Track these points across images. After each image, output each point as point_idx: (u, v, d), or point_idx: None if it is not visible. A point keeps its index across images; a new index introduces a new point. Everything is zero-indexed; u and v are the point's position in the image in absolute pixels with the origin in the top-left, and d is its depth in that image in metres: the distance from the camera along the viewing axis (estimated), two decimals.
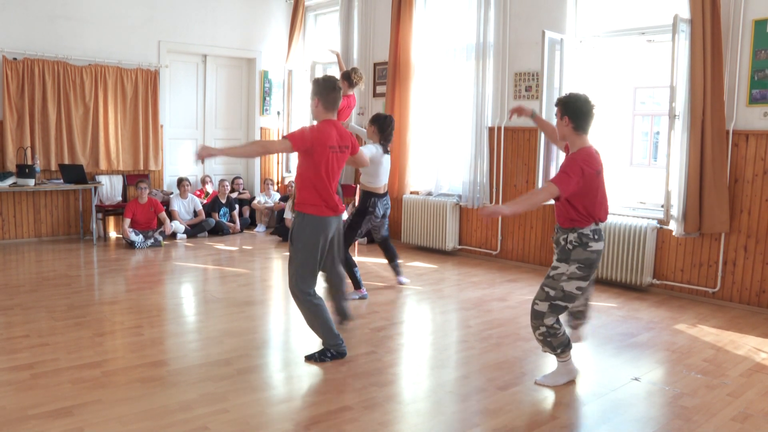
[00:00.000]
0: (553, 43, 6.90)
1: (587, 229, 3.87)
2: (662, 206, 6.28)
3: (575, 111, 3.84)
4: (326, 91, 4.25)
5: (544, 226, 7.40)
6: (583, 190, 3.79)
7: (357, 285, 5.99)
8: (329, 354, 4.35)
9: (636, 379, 4.20)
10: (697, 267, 6.23)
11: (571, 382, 4.08)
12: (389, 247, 6.49)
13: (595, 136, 7.55)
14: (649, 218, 6.51)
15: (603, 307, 5.94)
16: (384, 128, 6.00)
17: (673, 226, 6.18)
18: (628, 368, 4.40)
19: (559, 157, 7.11)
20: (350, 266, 5.84)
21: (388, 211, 6.21)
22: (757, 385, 4.13)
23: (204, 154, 4.01)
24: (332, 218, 4.36)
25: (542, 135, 6.84)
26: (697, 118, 5.87)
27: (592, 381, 4.20)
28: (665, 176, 6.14)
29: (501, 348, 4.74)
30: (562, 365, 4.09)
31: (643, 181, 12.24)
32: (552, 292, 3.90)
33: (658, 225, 6.44)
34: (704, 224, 5.98)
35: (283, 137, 4.24)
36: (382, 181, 6.01)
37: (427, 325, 5.50)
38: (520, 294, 6.31)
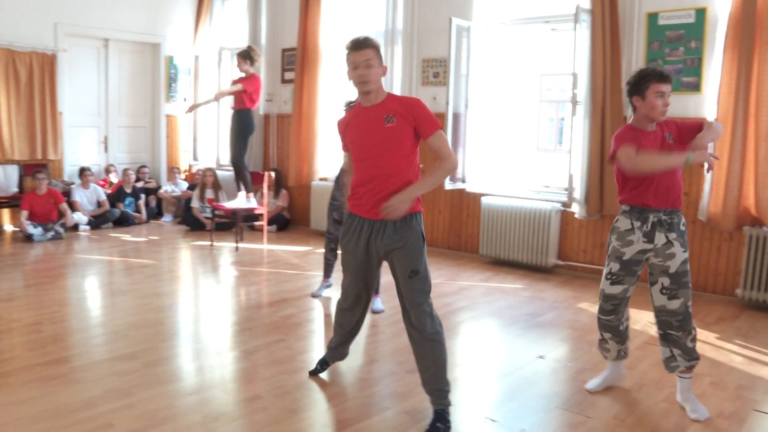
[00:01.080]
0: (461, 30, 7.01)
1: None
2: (565, 189, 6.50)
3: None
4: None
5: (452, 211, 7.52)
6: None
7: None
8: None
9: (541, 357, 4.35)
10: (599, 248, 6.48)
11: None
12: None
13: (502, 123, 7.76)
14: (553, 201, 6.72)
15: (509, 288, 6.11)
16: None
17: (576, 209, 6.41)
18: (533, 347, 4.55)
19: (467, 142, 7.25)
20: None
21: None
22: (650, 357, 4.35)
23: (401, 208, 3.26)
24: None
25: (450, 121, 6.94)
26: (597, 104, 6.10)
27: (499, 360, 4.32)
28: (568, 161, 6.35)
29: None
30: (689, 382, 3.61)
31: (549, 166, 12.63)
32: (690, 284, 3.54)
33: (562, 208, 6.67)
34: (605, 206, 6.23)
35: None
36: None
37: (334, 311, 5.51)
38: None
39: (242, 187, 7.90)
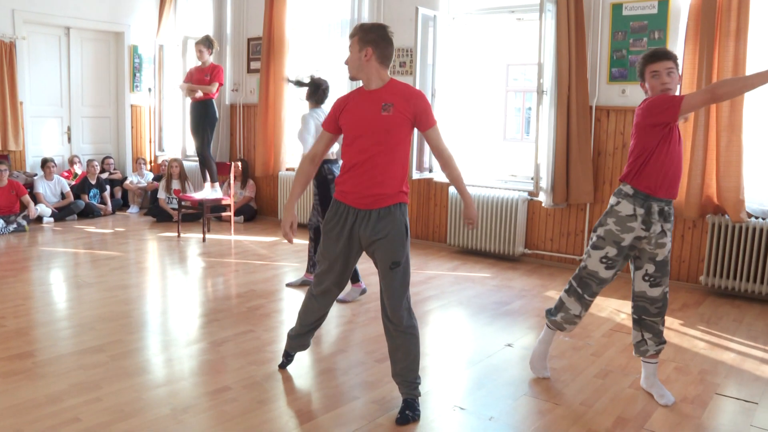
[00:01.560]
0: (427, 20, 7.01)
1: None
2: (532, 179, 6.55)
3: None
4: (384, 41, 3.31)
5: (419, 200, 7.54)
6: None
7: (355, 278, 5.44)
8: None
9: (509, 345, 4.39)
10: (565, 236, 6.56)
11: None
12: None
13: (469, 113, 7.79)
14: (519, 190, 6.78)
15: (477, 277, 6.15)
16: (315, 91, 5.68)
17: (543, 198, 6.47)
18: (501, 335, 4.59)
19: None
20: None
21: None
22: (617, 344, 4.43)
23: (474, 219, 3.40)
24: None
25: None
26: (563, 94, 6.15)
27: (467, 349, 4.35)
28: (534, 150, 6.40)
29: (379, 321, 4.74)
30: (655, 367, 3.68)
31: (516, 155, 12.72)
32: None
33: (529, 197, 6.72)
34: (571, 195, 6.30)
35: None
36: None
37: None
38: None
39: (208, 177, 7.86)
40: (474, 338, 4.59)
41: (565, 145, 6.23)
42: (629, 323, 4.83)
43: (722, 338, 4.63)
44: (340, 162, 4.98)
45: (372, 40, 3.27)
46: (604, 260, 3.53)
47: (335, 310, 5.16)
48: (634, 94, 6.05)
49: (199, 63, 7.79)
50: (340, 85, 7.90)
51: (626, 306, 5.28)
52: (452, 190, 7.12)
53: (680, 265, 5.98)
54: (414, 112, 3.22)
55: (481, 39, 7.86)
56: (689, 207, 5.69)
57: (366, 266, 5.14)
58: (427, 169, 7.31)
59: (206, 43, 7.66)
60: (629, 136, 6.08)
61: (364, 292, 5.39)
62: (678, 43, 5.76)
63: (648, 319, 3.56)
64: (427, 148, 7.23)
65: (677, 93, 3.44)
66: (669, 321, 4.92)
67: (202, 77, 7.64)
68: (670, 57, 3.40)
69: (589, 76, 6.20)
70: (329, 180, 5.26)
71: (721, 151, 5.55)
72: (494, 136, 14.64)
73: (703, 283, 5.76)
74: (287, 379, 3.78)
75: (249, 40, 9.04)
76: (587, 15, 6.18)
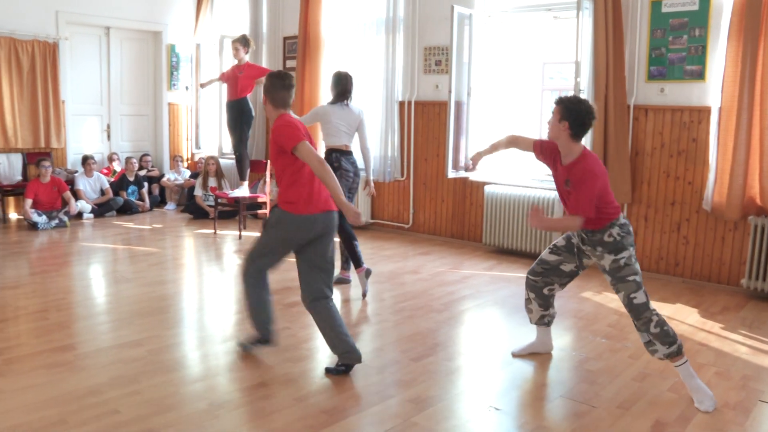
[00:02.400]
0: (462, 18, 6.98)
1: (622, 218, 3.70)
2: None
3: (577, 120, 3.59)
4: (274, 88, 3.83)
5: (455, 200, 7.52)
6: (604, 191, 3.64)
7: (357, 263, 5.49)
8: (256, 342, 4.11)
9: None
10: None
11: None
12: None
13: (505, 112, 7.74)
14: (555, 190, 6.70)
15: (513, 277, 6.11)
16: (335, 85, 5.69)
17: None
18: None
19: (469, 130, 7.23)
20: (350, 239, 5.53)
21: (360, 173, 5.69)
22: None
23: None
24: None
25: (452, 109, 6.93)
26: (600, 93, 6.08)
27: (503, 349, 4.33)
28: None
29: (414, 320, 4.81)
30: (685, 370, 3.58)
31: None
32: (638, 278, 3.62)
33: None
34: None
35: None
36: (339, 139, 5.51)
37: (342, 299, 5.52)
38: (432, 266, 6.41)
39: (246, 176, 7.97)
40: (509, 338, 4.57)
41: (602, 144, 6.15)
42: None
43: (765, 343, 4.54)
44: (351, 155, 5.47)
45: (265, 87, 3.84)
46: (551, 245, 3.99)
47: (370, 308, 5.18)
48: (673, 93, 5.96)
49: (235, 62, 7.87)
50: (373, 84, 7.92)
51: (664, 308, 5.21)
52: (488, 189, 7.09)
53: (721, 268, 5.87)
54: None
55: (517, 37, 7.81)
56: (731, 208, 5.59)
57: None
58: (462, 168, 7.29)
59: (243, 41, 7.74)
60: (667, 135, 6.00)
61: (368, 273, 5.45)
62: (720, 41, 5.65)
63: (633, 322, 3.69)
64: (462, 147, 7.21)
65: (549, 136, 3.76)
66: (709, 325, 4.85)
67: (235, 74, 7.72)
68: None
69: (627, 75, 6.12)
70: (334, 168, 5.34)
71: (765, 151, 5.44)
72: (530, 135, 14.51)
73: (744, 286, 5.65)
74: (323, 377, 3.79)
75: (285, 38, 9.10)
76: (625, 12, 6.10)
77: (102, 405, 3.31)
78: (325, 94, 8.46)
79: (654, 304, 5.22)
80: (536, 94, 9.65)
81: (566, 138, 3.63)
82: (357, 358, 3.78)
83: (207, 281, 6.03)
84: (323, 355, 4.14)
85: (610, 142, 6.10)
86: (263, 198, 7.99)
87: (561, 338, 4.51)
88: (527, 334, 4.57)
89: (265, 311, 3.99)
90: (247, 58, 7.80)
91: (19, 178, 8.67)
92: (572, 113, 3.59)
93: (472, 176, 7.32)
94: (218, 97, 9.95)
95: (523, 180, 7.08)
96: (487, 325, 4.88)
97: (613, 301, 5.38)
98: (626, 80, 6.10)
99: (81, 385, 3.55)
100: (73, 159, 9.32)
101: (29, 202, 7.95)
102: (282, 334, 4.42)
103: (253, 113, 8.04)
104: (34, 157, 8.66)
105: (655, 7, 5.98)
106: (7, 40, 8.35)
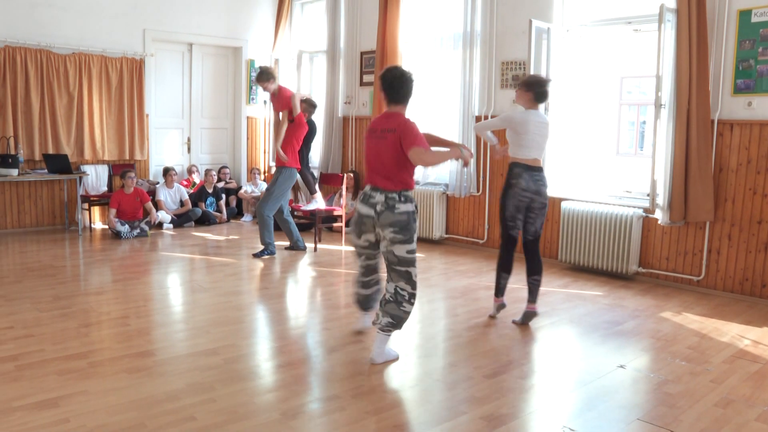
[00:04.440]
0: (540, 32, 6.91)
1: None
2: (648, 195, 6.32)
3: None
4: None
5: None
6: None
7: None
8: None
9: (621, 366, 4.24)
10: (682, 255, 6.28)
11: None
12: (532, 258, 5.14)
13: (582, 127, 7.60)
14: (634, 207, 6.54)
15: (589, 295, 5.98)
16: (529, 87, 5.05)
17: (659, 215, 6.22)
18: (613, 356, 4.44)
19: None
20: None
21: (544, 191, 5.01)
22: (739, 372, 4.18)
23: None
24: None
25: None
26: (682, 107, 5.90)
27: (577, 368, 4.23)
28: (651, 165, 6.17)
29: (488, 336, 4.76)
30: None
31: (629, 171, 12.30)
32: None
33: (644, 214, 6.48)
34: (689, 213, 6.02)
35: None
36: (529, 153, 4.94)
37: (415, 313, 5.50)
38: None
39: (315, 188, 8.07)
40: (584, 358, 4.46)
41: (683, 160, 5.97)
42: (753, 350, 4.59)
43: None
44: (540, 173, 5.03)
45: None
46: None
47: (443, 323, 5.15)
48: (761, 107, 5.73)
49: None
50: (450, 98, 7.91)
51: (750, 331, 4.99)
52: (564, 205, 6.97)
53: None
54: None
55: (595, 51, 7.67)
56: None
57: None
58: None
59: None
60: (754, 151, 5.77)
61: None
62: None
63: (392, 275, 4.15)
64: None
65: None
66: None
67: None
68: None
69: (711, 88, 5.92)
70: (511, 184, 4.96)
71: None
72: (607, 150, 14.22)
73: None
74: (395, 391, 3.79)
75: (362, 53, 9.20)
76: (710, 23, 5.90)
77: (179, 411, 3.40)
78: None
79: (738, 327, 5.04)
80: (614, 108, 9.43)
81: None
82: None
83: (282, 292, 6.12)
84: (396, 370, 4.13)
85: (692, 158, 5.91)
86: (339, 211, 8.07)
87: (638, 359, 4.38)
88: (604, 353, 4.47)
89: None
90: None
91: (105, 188, 9.04)
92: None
93: (549, 192, 7.19)
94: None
95: (600, 196, 6.93)
96: (562, 344, 4.78)
97: (693, 321, 5.20)
98: (710, 94, 5.90)
99: (159, 390, 3.65)
100: (154, 170, 9.65)
101: (113, 211, 8.26)
102: (355, 347, 4.44)
103: (314, 130, 8.21)
104: (119, 169, 9.02)
105: (743, 17, 5.77)
106: (99, 58, 8.75)
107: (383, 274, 4.33)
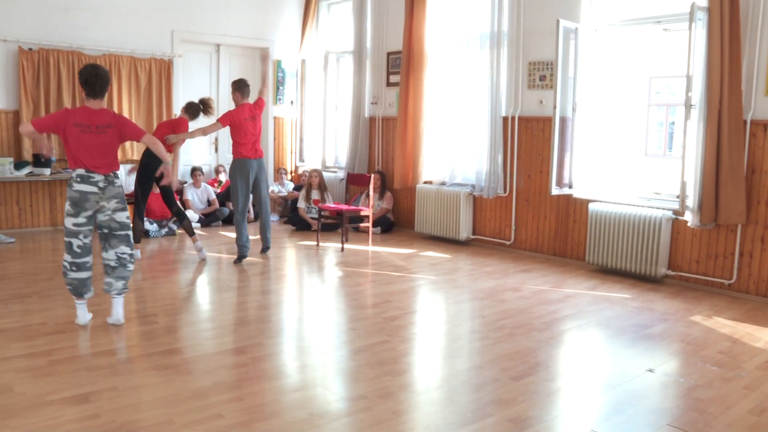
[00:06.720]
0: (568, 32, 6.86)
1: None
2: (677, 197, 6.23)
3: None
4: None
5: (558, 217, 7.37)
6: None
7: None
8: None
9: (650, 370, 4.19)
10: (713, 258, 6.19)
11: None
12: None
13: (610, 127, 7.53)
14: (663, 209, 6.46)
15: (617, 297, 5.92)
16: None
17: (689, 217, 6.14)
18: (642, 359, 4.39)
19: (574, 146, 7.08)
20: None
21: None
22: None
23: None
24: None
25: (557, 125, 6.80)
26: (713, 107, 5.82)
27: (606, 372, 4.19)
28: (681, 167, 6.09)
29: (514, 338, 4.73)
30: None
31: (658, 172, 12.18)
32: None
33: (673, 216, 6.40)
34: (720, 215, 5.94)
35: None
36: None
37: (441, 314, 5.50)
38: (533, 284, 6.29)
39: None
40: (612, 361, 4.41)
41: (714, 161, 5.88)
42: None
43: None
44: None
45: None
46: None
47: (469, 325, 5.13)
48: None
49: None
50: (477, 99, 7.89)
51: None
52: (592, 206, 6.91)
53: None
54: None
55: (624, 51, 7.59)
56: None
57: (378, 262, 5.02)
58: (566, 185, 7.14)
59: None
60: None
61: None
62: None
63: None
64: (566, 163, 7.07)
65: None
66: None
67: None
68: None
69: (744, 88, 5.83)
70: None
71: None
72: (635, 151, 14.09)
73: None
74: (422, 392, 3.78)
75: (389, 53, 9.20)
76: (743, 21, 5.80)
77: (206, 409, 3.42)
78: (428, 109, 8.50)
79: None
80: (642, 108, 9.34)
81: None
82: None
83: (308, 292, 6.14)
84: (422, 371, 4.12)
85: (724, 160, 5.82)
86: (366, 211, 8.08)
87: (667, 363, 4.32)
88: (633, 357, 4.42)
89: None
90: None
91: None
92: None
93: (576, 193, 7.15)
94: (322, 111, 10.17)
95: (628, 198, 6.86)
96: (590, 347, 4.74)
97: (724, 326, 5.12)
98: (743, 94, 5.81)
99: (187, 387, 3.68)
100: (182, 170, 9.72)
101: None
102: (381, 348, 4.44)
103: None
104: None
105: None
106: (128, 59, 8.85)
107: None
